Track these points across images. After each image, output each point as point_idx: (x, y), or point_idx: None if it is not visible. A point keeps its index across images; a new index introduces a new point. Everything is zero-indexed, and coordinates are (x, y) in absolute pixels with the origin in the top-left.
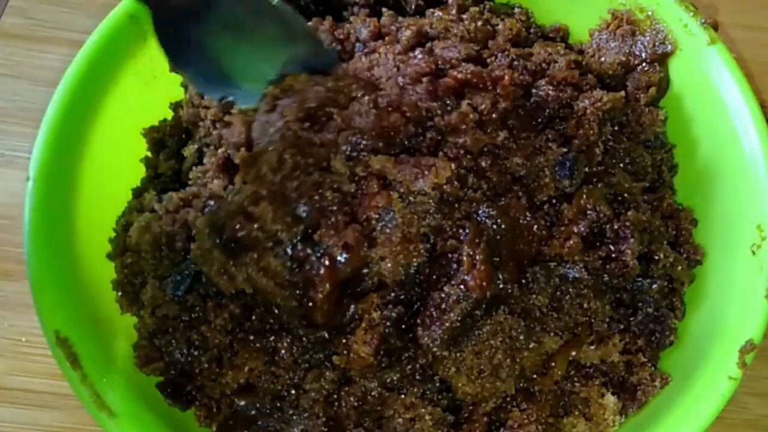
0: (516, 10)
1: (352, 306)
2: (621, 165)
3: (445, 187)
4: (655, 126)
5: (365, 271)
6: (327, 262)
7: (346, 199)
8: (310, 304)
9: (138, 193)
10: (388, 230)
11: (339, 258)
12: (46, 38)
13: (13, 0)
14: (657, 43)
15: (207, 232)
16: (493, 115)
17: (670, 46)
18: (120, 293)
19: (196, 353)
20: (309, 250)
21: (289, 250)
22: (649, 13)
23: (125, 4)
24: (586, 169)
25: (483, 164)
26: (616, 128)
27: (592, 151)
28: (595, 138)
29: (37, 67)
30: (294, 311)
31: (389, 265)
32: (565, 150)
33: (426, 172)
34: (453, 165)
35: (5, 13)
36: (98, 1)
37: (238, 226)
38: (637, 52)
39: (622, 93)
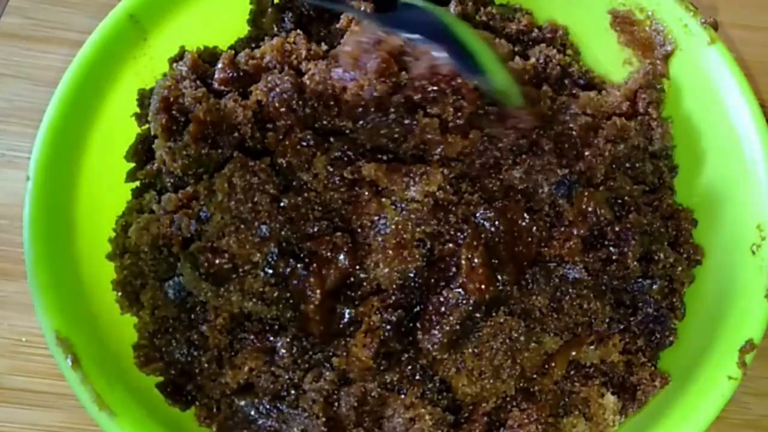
0: (518, 12)
1: (347, 312)
2: (622, 169)
3: (437, 194)
4: (665, 140)
5: (363, 276)
6: (314, 272)
7: (326, 208)
8: (303, 316)
9: (138, 193)
10: (381, 237)
11: (326, 267)
12: (46, 38)
13: (13, 0)
14: (657, 44)
15: (189, 267)
16: (458, 121)
17: (670, 46)
18: (120, 293)
19: (196, 353)
20: (291, 264)
21: (268, 270)
22: (649, 13)
23: (125, 4)
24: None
25: (477, 170)
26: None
27: (593, 173)
28: (600, 165)
29: (37, 67)
30: (290, 322)
31: (385, 271)
32: (566, 171)
33: (417, 180)
34: (445, 171)
35: (5, 13)
36: (98, 1)
37: (207, 264)
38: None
39: (635, 128)
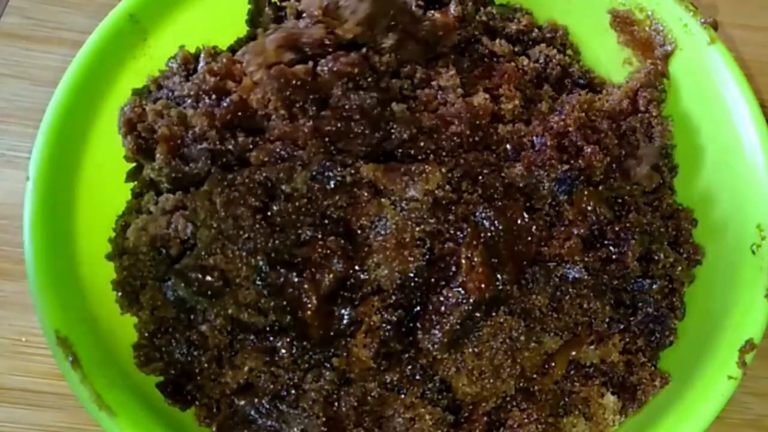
0: (518, 12)
1: (346, 313)
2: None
3: (436, 192)
4: (665, 137)
5: (363, 277)
6: (308, 278)
7: (316, 213)
8: (301, 322)
9: (137, 193)
10: (381, 237)
11: (320, 272)
12: (46, 38)
13: (13, 0)
14: (657, 43)
15: (181, 284)
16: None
17: (670, 46)
18: (120, 294)
19: (196, 353)
20: (284, 273)
21: (259, 282)
22: (649, 13)
23: (125, 4)
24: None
25: (477, 169)
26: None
27: (593, 170)
28: (600, 164)
29: (37, 67)
30: (289, 327)
31: (386, 271)
32: (567, 167)
33: (416, 179)
34: (443, 169)
35: (5, 13)
36: (98, 1)
37: (197, 283)
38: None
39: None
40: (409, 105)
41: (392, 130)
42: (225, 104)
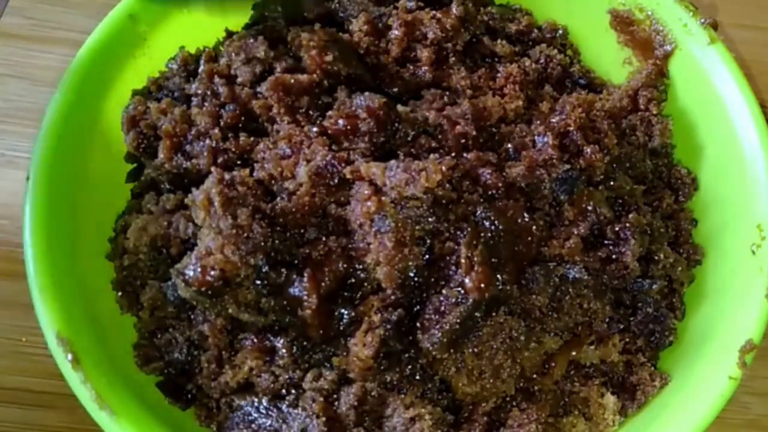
0: (518, 13)
1: (346, 313)
2: (622, 169)
3: (437, 191)
4: (665, 137)
5: (362, 276)
6: (308, 278)
7: (317, 212)
8: (302, 321)
9: (137, 193)
10: (380, 235)
11: (320, 272)
12: (46, 38)
13: (13, 0)
14: (657, 43)
15: (182, 285)
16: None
17: (669, 46)
18: (120, 294)
19: (196, 353)
20: (284, 272)
21: (259, 282)
22: (649, 13)
23: (125, 4)
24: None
25: (478, 168)
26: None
27: (594, 170)
28: (600, 163)
29: (37, 67)
30: (289, 326)
31: (385, 270)
32: (568, 167)
33: (417, 177)
34: (444, 168)
35: (5, 13)
36: (98, 1)
37: (197, 282)
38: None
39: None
40: (414, 105)
41: (398, 130)
42: (231, 107)
